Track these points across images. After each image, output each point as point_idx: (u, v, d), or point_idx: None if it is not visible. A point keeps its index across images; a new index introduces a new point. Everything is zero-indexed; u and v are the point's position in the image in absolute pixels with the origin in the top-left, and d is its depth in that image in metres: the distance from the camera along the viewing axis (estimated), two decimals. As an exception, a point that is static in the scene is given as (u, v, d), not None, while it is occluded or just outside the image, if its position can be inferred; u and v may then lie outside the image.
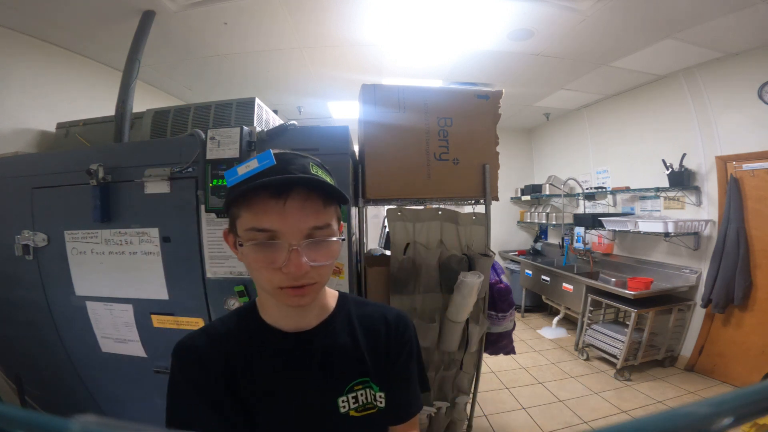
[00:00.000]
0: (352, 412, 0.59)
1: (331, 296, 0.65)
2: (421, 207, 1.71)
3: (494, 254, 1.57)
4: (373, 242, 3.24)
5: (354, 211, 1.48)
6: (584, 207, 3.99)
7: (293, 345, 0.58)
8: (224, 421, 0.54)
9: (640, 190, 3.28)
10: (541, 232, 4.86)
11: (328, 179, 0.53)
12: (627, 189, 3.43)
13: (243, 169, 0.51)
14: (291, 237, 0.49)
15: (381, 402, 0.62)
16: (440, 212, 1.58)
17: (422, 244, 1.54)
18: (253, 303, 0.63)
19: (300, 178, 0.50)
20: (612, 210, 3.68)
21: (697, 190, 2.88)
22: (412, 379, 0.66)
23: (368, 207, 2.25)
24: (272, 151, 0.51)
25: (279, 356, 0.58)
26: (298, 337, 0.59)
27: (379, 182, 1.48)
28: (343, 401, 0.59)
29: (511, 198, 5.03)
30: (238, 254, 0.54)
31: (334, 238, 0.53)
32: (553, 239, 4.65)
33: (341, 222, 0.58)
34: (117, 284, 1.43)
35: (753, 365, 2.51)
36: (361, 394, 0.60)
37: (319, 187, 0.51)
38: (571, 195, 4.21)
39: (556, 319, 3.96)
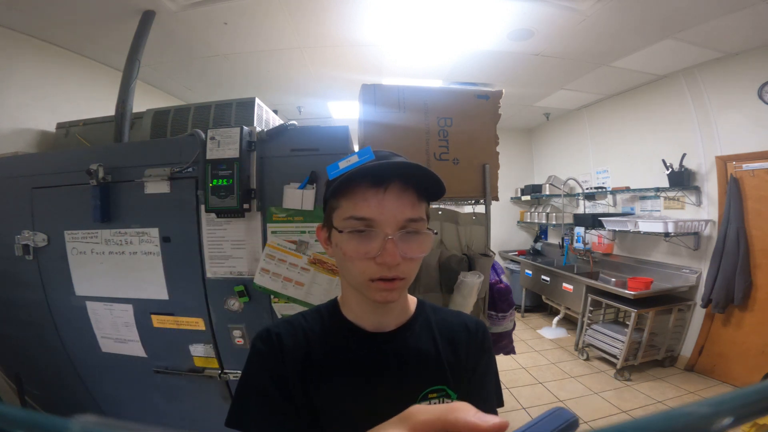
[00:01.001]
0: None
1: (411, 301, 0.65)
2: (421, 207, 1.71)
3: (494, 254, 1.57)
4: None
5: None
6: (584, 207, 3.99)
7: (372, 345, 0.58)
8: (291, 413, 0.54)
9: (640, 190, 3.28)
10: (541, 232, 4.86)
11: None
12: (627, 189, 3.43)
13: (344, 164, 0.54)
14: (387, 227, 0.50)
15: None
16: (440, 212, 1.58)
17: (422, 244, 1.54)
18: (334, 301, 0.63)
19: (400, 165, 0.52)
20: (612, 210, 3.68)
21: (697, 190, 2.88)
22: (488, 389, 0.64)
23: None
24: (371, 149, 0.55)
25: (357, 355, 0.57)
26: (378, 338, 0.58)
27: (379, 182, 1.48)
28: None
29: (511, 198, 5.03)
30: (330, 249, 0.56)
31: (427, 231, 0.54)
32: (553, 239, 4.65)
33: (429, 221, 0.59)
34: (117, 284, 1.43)
35: (753, 365, 2.51)
36: (435, 404, 0.57)
37: (415, 180, 0.53)
38: (571, 195, 4.21)
39: (556, 319, 3.96)
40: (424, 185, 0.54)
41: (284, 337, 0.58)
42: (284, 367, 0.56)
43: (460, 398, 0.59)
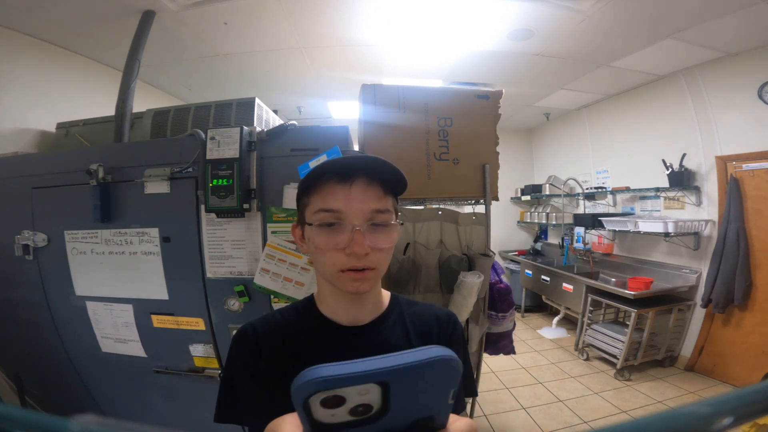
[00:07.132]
0: None
1: (384, 295, 0.68)
2: (421, 207, 1.71)
3: (494, 254, 1.57)
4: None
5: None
6: (584, 207, 3.99)
7: (347, 338, 0.60)
8: (271, 399, 0.56)
9: (640, 190, 3.28)
10: (541, 232, 4.86)
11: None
12: (627, 189, 3.43)
13: (314, 163, 0.58)
14: (354, 218, 0.54)
15: None
16: (440, 212, 1.58)
17: (422, 244, 1.54)
18: (311, 297, 0.66)
19: (363, 158, 0.56)
20: (612, 210, 3.68)
21: (697, 190, 2.88)
22: None
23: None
24: (339, 148, 0.57)
25: (331, 348, 0.60)
26: (352, 331, 0.61)
27: (379, 182, 1.48)
28: None
29: (511, 198, 5.03)
30: (304, 246, 0.60)
31: (393, 222, 0.57)
32: (553, 239, 4.65)
33: (398, 215, 0.62)
34: (117, 284, 1.43)
35: (753, 365, 2.51)
36: None
37: (379, 175, 0.56)
38: (571, 195, 4.21)
39: (556, 319, 3.96)
40: (388, 180, 0.57)
41: (260, 332, 0.61)
42: (261, 359, 0.59)
43: None
